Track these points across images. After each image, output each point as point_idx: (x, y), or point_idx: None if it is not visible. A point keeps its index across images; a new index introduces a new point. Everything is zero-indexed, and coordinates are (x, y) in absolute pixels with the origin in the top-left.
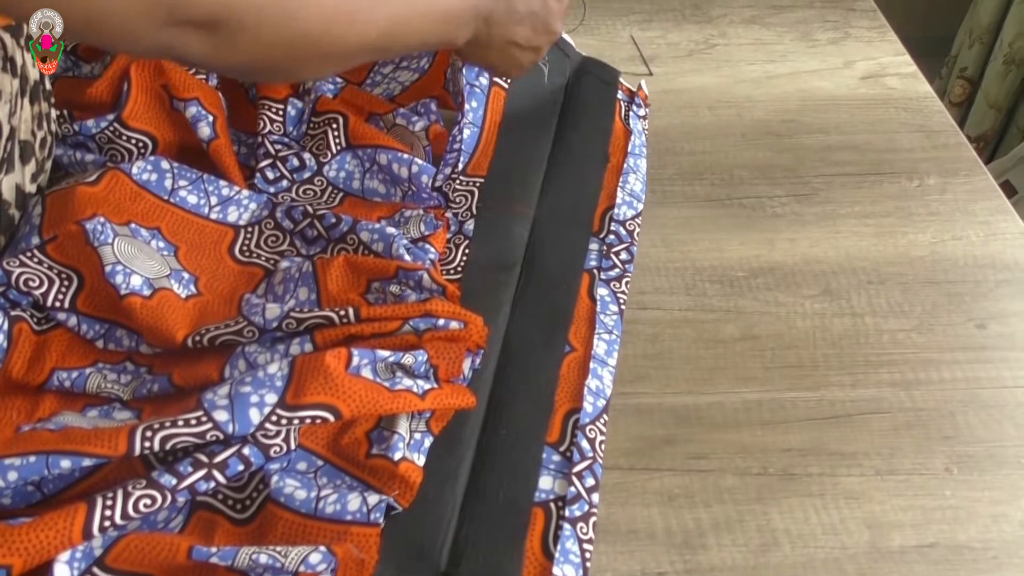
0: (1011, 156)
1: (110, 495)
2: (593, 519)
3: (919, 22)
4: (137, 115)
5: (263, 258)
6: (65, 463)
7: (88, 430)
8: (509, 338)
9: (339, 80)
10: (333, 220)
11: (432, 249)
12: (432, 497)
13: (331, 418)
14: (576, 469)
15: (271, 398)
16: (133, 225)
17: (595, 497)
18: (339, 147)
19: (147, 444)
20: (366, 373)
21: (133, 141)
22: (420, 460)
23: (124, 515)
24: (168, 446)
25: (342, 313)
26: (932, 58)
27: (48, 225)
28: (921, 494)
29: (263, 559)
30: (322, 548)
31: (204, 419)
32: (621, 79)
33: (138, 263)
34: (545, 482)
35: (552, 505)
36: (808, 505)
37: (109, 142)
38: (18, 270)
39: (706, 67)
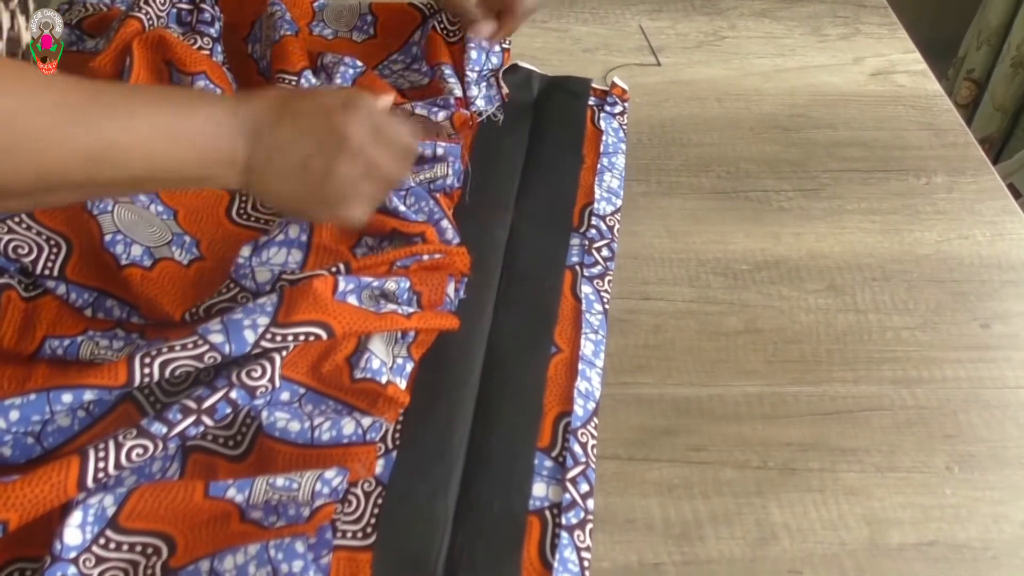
0: (1016, 159)
1: (101, 446)
2: (589, 526)
3: (928, 22)
4: None
5: (261, 220)
6: (66, 397)
7: (86, 363)
8: (493, 341)
9: (359, 64)
10: None
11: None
12: (424, 508)
13: (323, 335)
14: (570, 475)
15: (263, 320)
16: None
17: (590, 503)
18: None
19: (146, 371)
20: (352, 300)
21: None
22: (403, 384)
23: (117, 465)
24: (167, 372)
25: (333, 269)
26: (939, 59)
27: None
28: (921, 492)
29: (279, 482)
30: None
31: (201, 343)
32: (593, 84)
33: (139, 231)
34: (539, 489)
35: (547, 513)
36: (808, 500)
37: None
38: (6, 237)
39: (715, 59)
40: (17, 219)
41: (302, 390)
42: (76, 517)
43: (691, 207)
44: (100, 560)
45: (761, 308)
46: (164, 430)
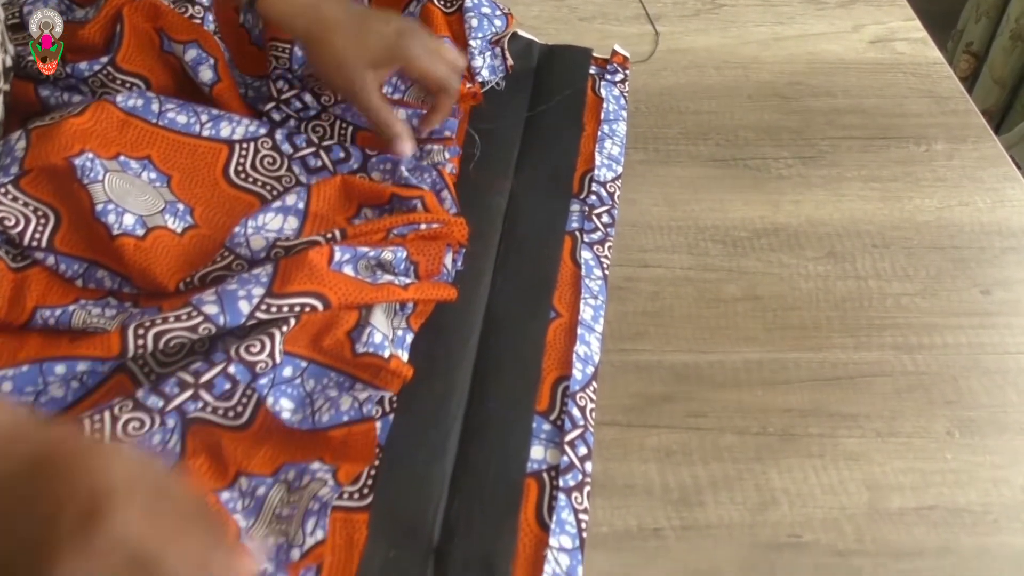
0: (1016, 132)
1: (97, 418)
2: (587, 488)
3: None
4: (130, 58)
5: (259, 183)
6: (59, 368)
7: (79, 333)
8: (492, 306)
9: None
10: (342, 154)
11: (443, 174)
12: (421, 473)
13: (319, 306)
14: (568, 438)
15: (258, 291)
16: (123, 158)
17: (588, 466)
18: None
19: (140, 342)
20: (348, 270)
21: (127, 84)
22: (404, 356)
23: (114, 438)
24: (161, 343)
25: (329, 236)
26: (938, 32)
27: (32, 160)
28: (922, 457)
29: (284, 512)
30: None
31: (195, 314)
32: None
33: (131, 200)
34: (537, 452)
35: (545, 475)
36: (808, 465)
37: (102, 85)
38: None
39: (713, 27)
40: (3, 190)
41: (304, 364)
42: None
43: (689, 175)
44: None
45: (760, 275)
46: (160, 403)
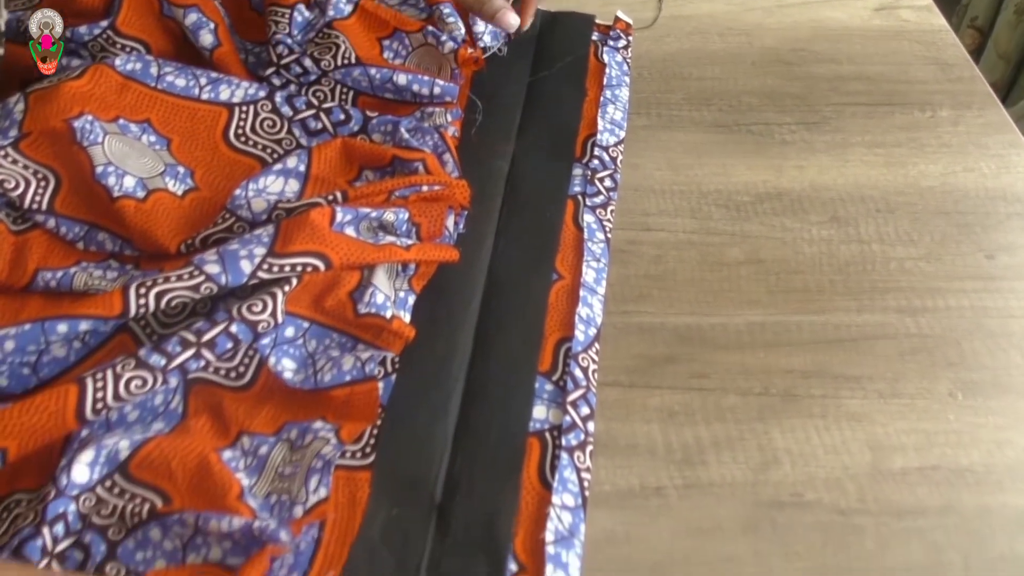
0: (1022, 106)
1: (100, 375)
2: (590, 448)
3: None
4: (130, 22)
5: (260, 146)
6: (61, 327)
7: (80, 294)
8: (494, 269)
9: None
10: (342, 116)
11: (445, 136)
12: (424, 433)
13: (321, 266)
14: (571, 398)
15: (260, 251)
16: (122, 121)
17: (591, 426)
18: (347, 63)
19: (142, 302)
20: (350, 231)
21: (127, 48)
22: (406, 317)
23: (116, 396)
24: (163, 303)
25: (330, 198)
26: (943, 6)
27: (31, 123)
28: (925, 418)
29: (287, 471)
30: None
31: (197, 273)
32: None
33: (130, 162)
34: (539, 412)
35: (547, 435)
36: (810, 426)
37: (102, 49)
38: None
39: None
40: (2, 153)
41: (306, 324)
42: (88, 454)
43: (692, 140)
44: (99, 501)
45: (763, 239)
46: (163, 362)
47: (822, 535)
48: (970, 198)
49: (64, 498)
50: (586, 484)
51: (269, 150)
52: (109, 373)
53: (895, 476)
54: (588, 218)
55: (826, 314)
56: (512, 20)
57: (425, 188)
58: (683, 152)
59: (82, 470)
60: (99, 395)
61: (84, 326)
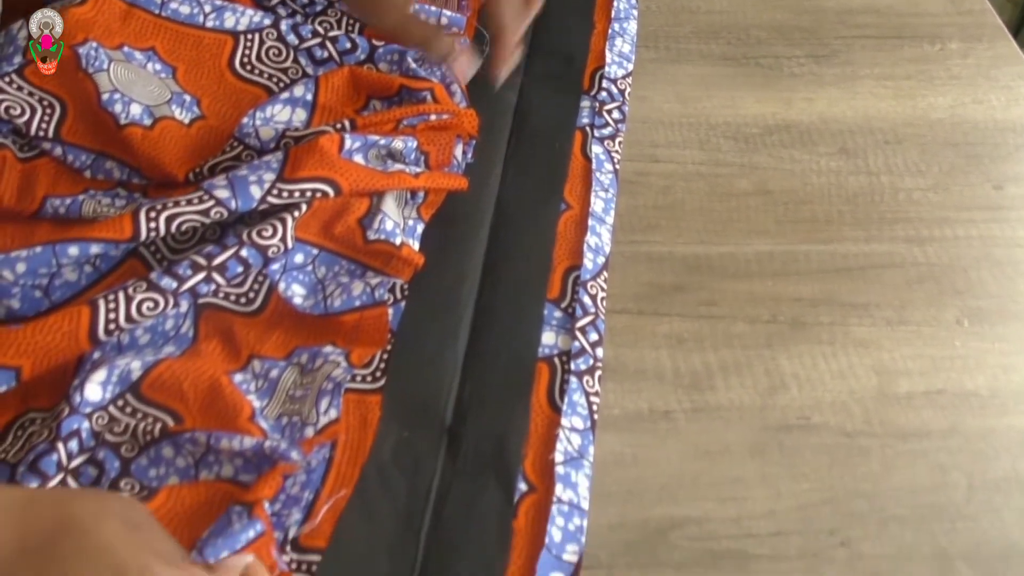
0: None
1: (112, 297)
2: (598, 373)
3: None
4: None
5: (265, 75)
6: (72, 250)
7: (89, 220)
8: (502, 198)
9: None
10: (348, 45)
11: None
12: (433, 358)
13: (330, 192)
14: (579, 324)
15: (269, 176)
16: (127, 48)
17: (599, 352)
18: None
19: (152, 226)
20: (358, 159)
21: None
22: (415, 245)
23: (128, 317)
24: (173, 227)
25: (339, 126)
26: None
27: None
28: (931, 344)
29: (298, 393)
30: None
31: (206, 198)
32: None
33: (137, 90)
34: (548, 337)
35: (556, 360)
36: (817, 352)
37: None
38: None
39: None
40: (8, 79)
41: (315, 251)
42: (101, 374)
43: (701, 73)
44: (112, 419)
45: (772, 170)
46: (174, 284)
47: (828, 457)
48: (979, 130)
49: (77, 415)
50: (595, 408)
51: (275, 79)
52: (121, 295)
53: (900, 400)
54: (596, 149)
55: (834, 244)
56: (466, 68)
57: (433, 117)
58: (692, 85)
59: (94, 389)
60: (111, 316)
61: (95, 249)
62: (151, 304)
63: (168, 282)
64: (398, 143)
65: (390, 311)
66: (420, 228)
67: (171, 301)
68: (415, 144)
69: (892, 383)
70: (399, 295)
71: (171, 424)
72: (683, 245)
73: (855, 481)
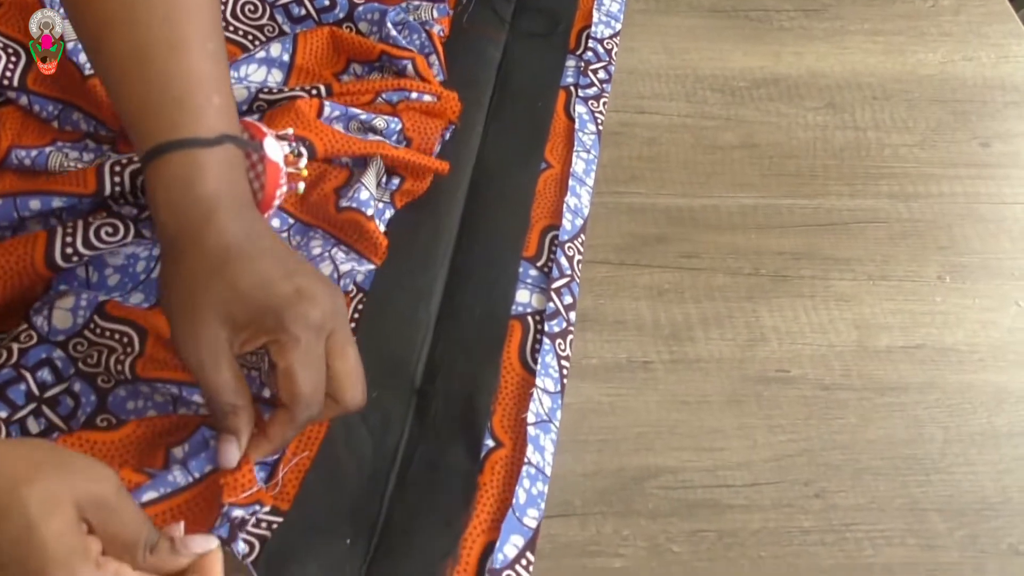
0: None
1: (69, 223)
2: (571, 337)
3: None
4: None
5: (240, 32)
6: (34, 203)
7: (55, 173)
8: (483, 156)
9: None
10: (327, 2)
11: (432, 36)
12: (406, 316)
13: (304, 152)
14: (555, 285)
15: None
16: None
17: (572, 316)
18: None
19: (116, 180)
20: (337, 127)
21: None
22: (381, 227)
23: (87, 243)
24: (139, 182)
25: (314, 91)
26: None
27: None
28: (912, 299)
29: None
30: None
31: None
32: None
33: None
34: (522, 296)
35: (530, 319)
36: (798, 305)
37: None
38: None
39: None
40: None
41: (291, 220)
42: (68, 301)
43: (689, 25)
44: (91, 344)
45: (758, 124)
46: (135, 212)
47: (806, 409)
48: (968, 87)
49: (46, 344)
50: (564, 372)
51: (251, 36)
52: (80, 222)
53: (880, 354)
54: (580, 109)
55: (819, 198)
56: (231, 456)
57: (414, 96)
58: (680, 36)
59: (64, 316)
60: (68, 239)
61: (57, 203)
62: (109, 229)
63: (129, 210)
64: (380, 121)
65: (362, 270)
66: (389, 213)
67: (131, 229)
68: (399, 127)
69: (872, 337)
70: None
71: (136, 340)
72: (666, 197)
73: (831, 433)
